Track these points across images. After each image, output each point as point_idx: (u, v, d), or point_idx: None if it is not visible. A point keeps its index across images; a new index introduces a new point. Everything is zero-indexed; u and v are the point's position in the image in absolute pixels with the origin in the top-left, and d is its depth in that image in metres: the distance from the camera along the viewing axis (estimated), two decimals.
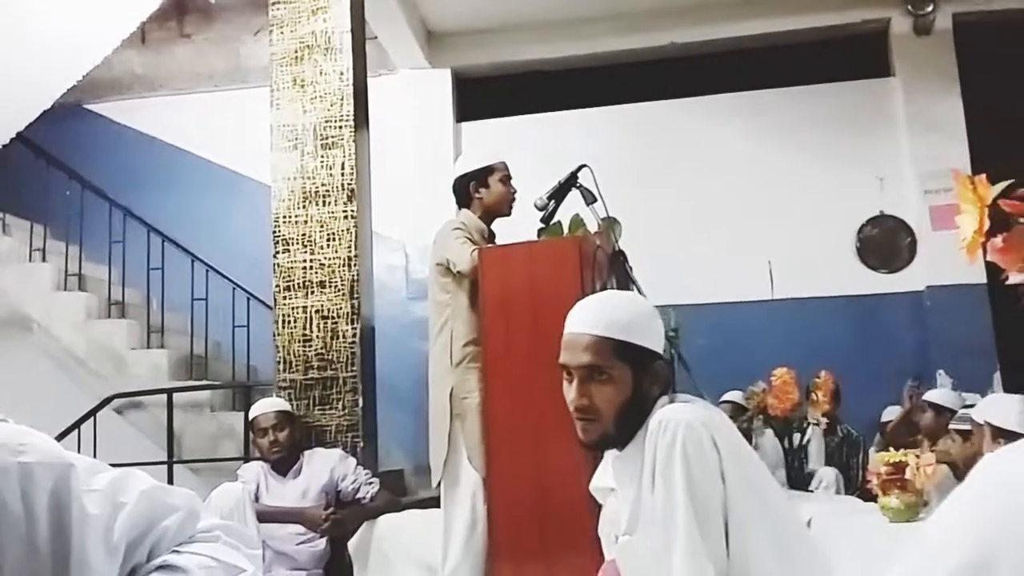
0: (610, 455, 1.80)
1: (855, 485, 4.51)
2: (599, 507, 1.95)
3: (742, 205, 6.31)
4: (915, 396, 4.35)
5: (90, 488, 0.89)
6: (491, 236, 3.43)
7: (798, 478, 4.45)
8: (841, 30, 6.43)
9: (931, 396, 4.31)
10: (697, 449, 1.56)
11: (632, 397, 1.70)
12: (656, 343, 1.73)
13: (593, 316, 1.73)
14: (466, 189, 3.39)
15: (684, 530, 1.53)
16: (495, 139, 6.35)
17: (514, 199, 3.42)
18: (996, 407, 2.76)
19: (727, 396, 4.73)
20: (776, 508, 1.63)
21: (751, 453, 1.68)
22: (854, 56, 6.48)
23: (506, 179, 3.41)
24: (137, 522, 0.91)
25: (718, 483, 1.56)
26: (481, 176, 3.39)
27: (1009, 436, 2.58)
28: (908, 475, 2.68)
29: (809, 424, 4.48)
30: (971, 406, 3.27)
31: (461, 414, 3.16)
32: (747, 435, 4.49)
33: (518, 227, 3.38)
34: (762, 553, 1.56)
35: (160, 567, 0.92)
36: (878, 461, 2.78)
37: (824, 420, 4.49)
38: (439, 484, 3.22)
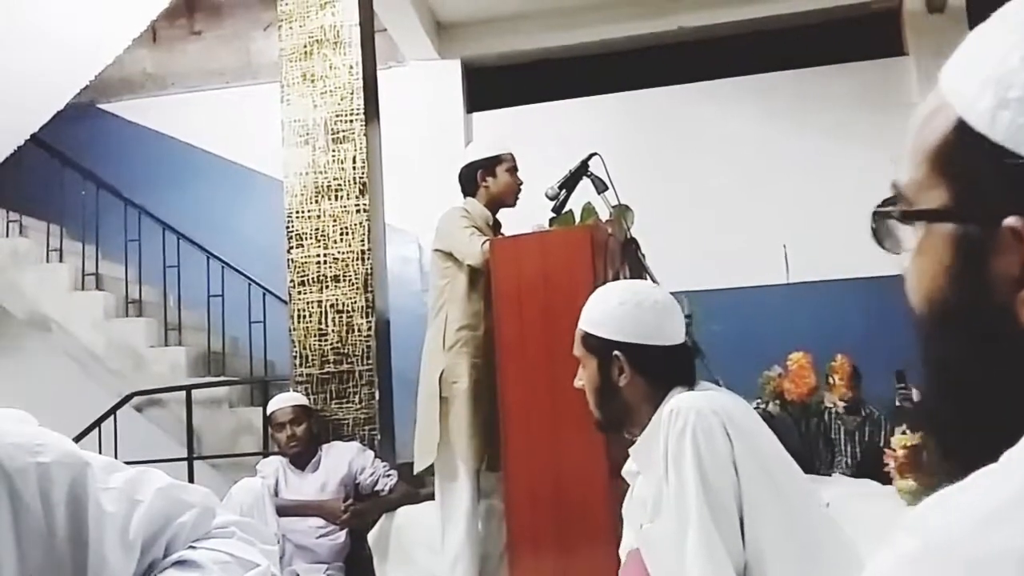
0: None
1: (878, 467, 4.47)
2: (619, 494, 1.96)
3: (755, 189, 6.27)
4: None
5: (107, 486, 0.90)
6: (496, 225, 3.43)
7: (815, 462, 4.43)
8: (853, 9, 6.37)
9: None
10: (708, 436, 1.55)
11: (601, 386, 1.77)
12: (615, 332, 1.75)
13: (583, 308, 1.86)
14: (473, 177, 3.40)
15: (696, 517, 1.53)
16: (506, 129, 6.33)
17: (520, 190, 3.43)
18: None
19: None
20: (794, 496, 1.61)
21: (769, 441, 1.66)
22: (866, 35, 6.42)
23: (513, 170, 3.42)
24: (153, 519, 0.93)
25: (730, 471, 1.55)
26: (489, 165, 3.40)
27: None
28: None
29: (826, 408, 4.45)
30: None
31: (449, 398, 3.18)
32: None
33: (528, 216, 3.38)
34: (778, 542, 1.55)
35: (176, 563, 0.93)
36: (896, 444, 2.77)
37: (841, 404, 4.46)
38: (429, 468, 3.23)
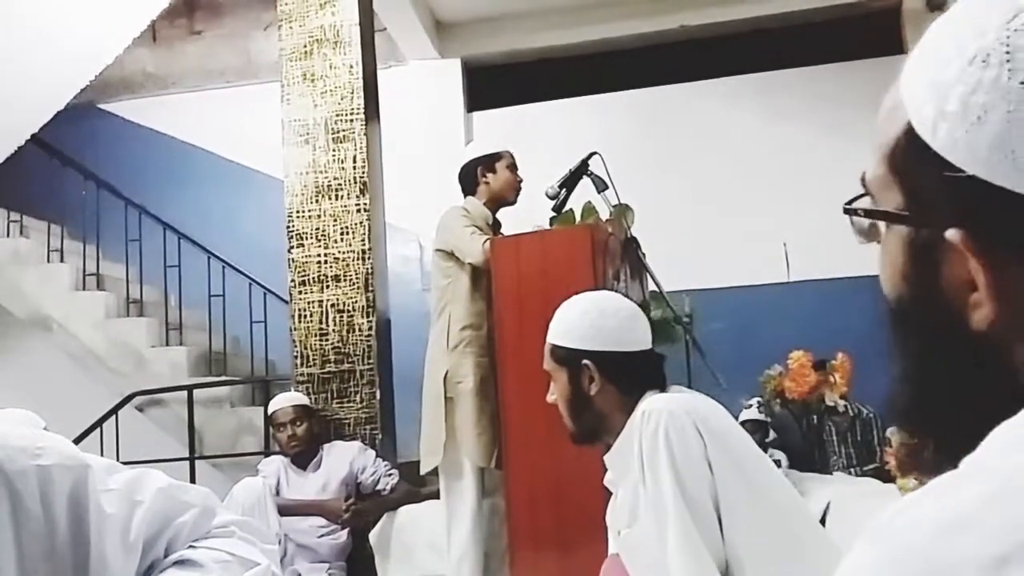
0: None
1: (872, 464, 4.48)
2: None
3: (756, 187, 6.27)
4: None
5: (107, 488, 0.91)
6: (496, 224, 3.43)
7: (816, 460, 4.43)
8: (853, 8, 6.36)
9: None
10: (680, 436, 1.57)
11: (572, 397, 1.78)
12: (581, 342, 1.77)
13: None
14: (473, 174, 3.41)
15: (674, 517, 1.54)
16: (506, 128, 6.33)
17: (520, 187, 3.43)
18: None
19: (744, 415, 4.43)
20: (770, 492, 1.63)
21: (742, 439, 1.69)
22: (866, 34, 6.41)
23: (512, 167, 3.42)
24: (154, 520, 0.93)
25: (704, 470, 1.56)
26: (489, 161, 3.40)
27: None
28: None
29: (826, 407, 4.45)
30: None
31: (454, 398, 3.18)
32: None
33: (529, 215, 3.38)
34: (755, 539, 1.56)
35: (177, 562, 0.93)
36: (896, 442, 2.77)
37: (842, 402, 4.47)
38: (435, 470, 3.23)
